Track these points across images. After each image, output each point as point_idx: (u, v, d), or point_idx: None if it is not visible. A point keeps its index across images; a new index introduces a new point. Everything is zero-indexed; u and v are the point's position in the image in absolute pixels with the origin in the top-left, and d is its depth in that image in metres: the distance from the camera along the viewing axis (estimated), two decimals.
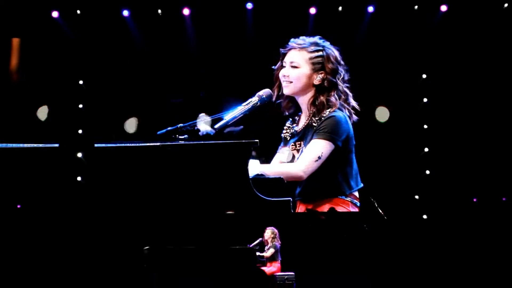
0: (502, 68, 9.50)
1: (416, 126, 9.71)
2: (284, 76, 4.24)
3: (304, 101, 4.26)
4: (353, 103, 4.27)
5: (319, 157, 4.02)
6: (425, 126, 9.72)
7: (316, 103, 4.17)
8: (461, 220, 9.40)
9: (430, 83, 9.73)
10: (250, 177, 3.62)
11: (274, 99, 4.34)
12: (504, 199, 9.52)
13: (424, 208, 9.53)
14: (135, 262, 3.50)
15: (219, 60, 9.70)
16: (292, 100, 4.34)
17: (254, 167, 3.94)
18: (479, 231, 9.29)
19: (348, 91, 4.26)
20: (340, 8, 9.51)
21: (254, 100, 4.15)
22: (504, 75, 9.50)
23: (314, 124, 4.16)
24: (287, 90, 4.26)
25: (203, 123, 3.90)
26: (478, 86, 9.55)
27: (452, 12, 9.51)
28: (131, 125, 8.88)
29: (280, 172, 4.00)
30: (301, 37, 4.30)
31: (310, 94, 4.23)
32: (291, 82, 4.21)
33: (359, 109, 4.30)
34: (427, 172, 9.65)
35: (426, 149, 9.66)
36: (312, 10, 9.52)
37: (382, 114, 9.53)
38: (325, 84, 4.19)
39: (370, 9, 9.51)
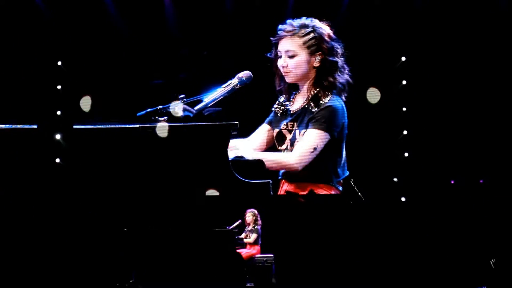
0: (482, 50, 9.54)
1: (395, 109, 9.75)
2: (283, 67, 4.17)
3: (304, 84, 4.20)
4: (348, 76, 4.21)
5: (315, 148, 3.99)
6: (404, 109, 9.76)
7: (324, 83, 4.12)
8: (439, 202, 9.48)
9: (409, 65, 9.76)
10: (230, 159, 3.62)
11: (277, 88, 4.31)
12: (481, 181, 9.60)
13: (402, 190, 9.60)
14: (114, 245, 3.51)
15: (199, 42, 9.66)
16: (292, 85, 4.28)
17: (248, 152, 3.93)
18: (456, 213, 9.36)
19: (345, 65, 4.24)
20: None
21: (234, 82, 4.12)
22: (483, 57, 9.55)
23: (311, 109, 4.11)
24: (289, 79, 4.19)
25: (178, 107, 3.88)
26: (457, 68, 9.60)
27: None
28: None
29: (274, 161, 3.98)
30: (288, 22, 4.21)
31: (311, 76, 4.17)
32: (291, 71, 4.18)
33: (351, 82, 4.23)
34: (406, 154, 9.70)
35: (405, 132, 9.71)
36: None
37: (373, 95, 9.51)
38: (327, 65, 4.14)
39: None
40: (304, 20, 4.22)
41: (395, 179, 9.70)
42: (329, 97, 4.12)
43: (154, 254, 3.62)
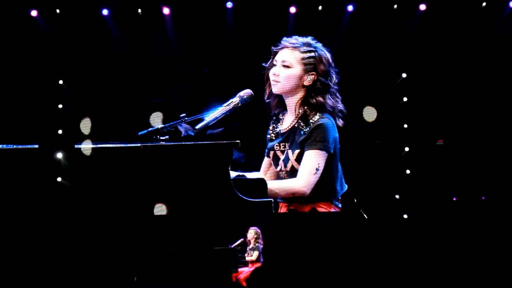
0: (482, 66, 9.56)
1: (396, 126, 9.75)
2: (274, 74, 4.20)
3: (292, 101, 4.22)
4: (341, 106, 4.24)
5: (317, 169, 4.00)
6: (405, 126, 9.76)
7: (312, 102, 4.13)
8: (441, 219, 9.45)
9: (410, 82, 9.77)
10: (232, 178, 3.62)
11: (265, 97, 4.33)
12: (483, 197, 9.58)
13: (404, 207, 9.57)
14: (116, 264, 3.49)
15: (199, 60, 9.68)
16: (280, 100, 4.30)
17: None
18: (459, 230, 9.33)
19: (337, 94, 4.24)
20: (320, 7, 9.53)
21: (235, 100, 4.13)
22: (484, 73, 9.56)
23: (301, 128, 4.12)
24: (275, 89, 4.22)
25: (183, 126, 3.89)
26: (458, 85, 9.61)
27: (431, 11, 9.55)
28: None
29: (282, 189, 3.99)
30: (294, 36, 4.25)
31: (299, 94, 4.19)
32: (280, 81, 4.19)
33: (346, 112, 4.26)
34: (408, 171, 9.69)
35: (407, 149, 9.70)
36: (292, 9, 9.54)
37: (369, 113, 9.52)
38: (318, 85, 4.16)
39: (350, 8, 9.55)
40: (309, 39, 4.25)
41: (397, 196, 9.68)
42: (318, 115, 4.12)
43: (157, 275, 3.61)
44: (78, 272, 3.64)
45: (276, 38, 4.34)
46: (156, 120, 8.17)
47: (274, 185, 3.99)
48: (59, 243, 3.62)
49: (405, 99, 9.76)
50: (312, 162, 4.02)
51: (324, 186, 4.08)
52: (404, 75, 9.77)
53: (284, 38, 4.27)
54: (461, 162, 9.55)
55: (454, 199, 9.65)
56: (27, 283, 3.67)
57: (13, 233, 3.68)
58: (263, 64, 4.31)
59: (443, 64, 9.61)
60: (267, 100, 4.35)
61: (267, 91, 4.32)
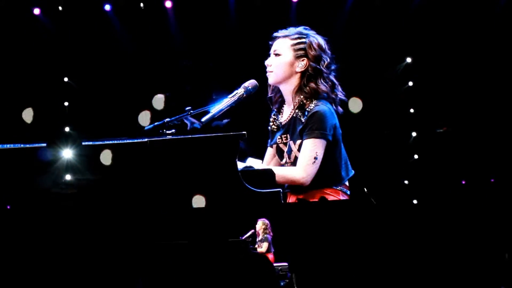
0: (485, 51, 9.52)
1: (402, 111, 9.73)
2: (267, 65, 4.21)
3: (288, 90, 4.21)
4: (340, 93, 4.22)
5: (315, 158, 3.98)
6: (412, 110, 9.74)
7: (305, 90, 4.12)
8: (451, 203, 9.43)
9: (415, 66, 9.75)
10: (239, 169, 3.61)
11: (269, 94, 4.32)
12: (492, 180, 9.56)
13: (413, 192, 9.56)
14: (124, 259, 3.50)
15: (203, 52, 9.68)
16: (281, 94, 4.29)
17: (256, 166, 3.94)
18: (469, 213, 9.31)
19: (334, 80, 4.22)
20: None
21: (240, 91, 4.12)
22: (487, 57, 9.52)
23: (299, 117, 4.11)
24: (270, 79, 4.22)
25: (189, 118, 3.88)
26: (464, 69, 9.58)
27: None
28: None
29: (282, 177, 3.98)
30: (288, 28, 4.26)
31: (294, 82, 4.18)
32: (273, 70, 4.19)
33: (346, 100, 4.25)
34: (416, 156, 9.68)
35: (414, 134, 9.68)
36: None
37: (355, 105, 9.46)
38: (310, 70, 4.15)
39: None
40: (300, 28, 4.25)
41: (406, 182, 9.67)
42: (313, 103, 4.11)
43: (164, 263, 3.61)
44: (82, 269, 3.64)
45: (279, 29, 4.34)
46: (144, 118, 8.19)
47: (274, 171, 3.99)
48: (65, 241, 3.62)
49: (410, 83, 9.74)
50: (310, 152, 4.00)
51: (328, 172, 4.07)
52: (409, 59, 9.74)
53: (278, 31, 4.28)
54: (469, 145, 9.53)
55: (463, 182, 9.63)
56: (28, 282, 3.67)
57: (15, 232, 3.68)
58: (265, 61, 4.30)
59: (449, 48, 9.58)
60: (270, 95, 4.34)
61: (270, 88, 4.32)
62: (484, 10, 9.45)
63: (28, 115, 9.27)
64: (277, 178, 3.85)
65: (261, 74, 4.32)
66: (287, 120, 4.21)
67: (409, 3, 9.59)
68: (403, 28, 9.57)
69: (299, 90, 4.17)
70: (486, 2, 9.45)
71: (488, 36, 9.50)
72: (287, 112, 4.23)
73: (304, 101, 4.13)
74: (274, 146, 4.27)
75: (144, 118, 8.57)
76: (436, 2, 9.52)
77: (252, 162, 4.08)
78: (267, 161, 4.38)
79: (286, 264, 4.07)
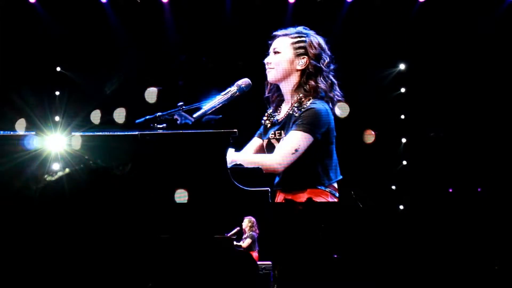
0: (480, 57, 9.55)
1: (393, 116, 9.75)
2: (267, 63, 4.22)
3: (287, 88, 4.22)
4: (337, 92, 4.23)
5: (296, 150, 3.99)
6: (402, 116, 9.77)
7: (305, 87, 4.13)
8: (437, 210, 9.46)
9: (407, 73, 9.77)
10: (228, 167, 3.62)
11: (266, 93, 4.34)
12: (479, 189, 9.60)
13: (400, 198, 9.59)
14: (113, 254, 3.49)
15: (198, 48, 9.67)
16: (279, 94, 4.30)
17: (229, 155, 3.91)
18: (455, 221, 9.35)
19: (333, 79, 4.24)
20: None
21: (233, 89, 4.12)
22: (481, 64, 9.55)
23: (295, 114, 4.12)
24: (269, 77, 4.23)
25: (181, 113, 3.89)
26: (456, 76, 9.61)
27: (430, 1, 9.54)
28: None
29: (255, 162, 3.98)
30: (288, 28, 4.28)
31: (293, 80, 4.20)
32: (273, 68, 4.20)
33: (343, 100, 4.26)
34: (404, 162, 9.70)
35: (404, 140, 9.71)
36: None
37: (342, 110, 9.46)
38: (310, 68, 4.16)
39: None
40: (300, 28, 4.27)
41: (393, 187, 9.69)
42: (311, 100, 4.12)
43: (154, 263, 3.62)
44: (79, 268, 3.64)
45: (275, 29, 4.35)
46: (120, 116, 8.18)
47: (248, 158, 4.03)
48: (61, 240, 3.62)
49: (402, 90, 9.76)
50: (293, 142, 4.01)
51: (315, 172, 4.08)
52: (401, 65, 9.77)
53: (278, 30, 4.30)
54: (458, 153, 9.56)
55: (450, 190, 9.67)
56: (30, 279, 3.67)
57: (14, 231, 3.67)
58: (263, 61, 4.31)
59: (441, 55, 9.61)
60: (267, 94, 4.35)
61: (268, 87, 4.33)
62: (477, 18, 9.48)
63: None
64: (250, 165, 3.87)
65: (255, 72, 4.33)
66: (283, 117, 4.21)
67: (405, 11, 9.61)
68: (396, 35, 9.59)
69: (298, 88, 4.19)
70: (478, 10, 9.48)
71: (479, 44, 9.53)
72: (285, 109, 4.24)
73: (303, 98, 4.14)
74: (266, 140, 4.27)
75: (119, 115, 8.56)
76: (429, 10, 9.54)
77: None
78: (252, 151, 4.35)
79: (270, 263, 4.08)
